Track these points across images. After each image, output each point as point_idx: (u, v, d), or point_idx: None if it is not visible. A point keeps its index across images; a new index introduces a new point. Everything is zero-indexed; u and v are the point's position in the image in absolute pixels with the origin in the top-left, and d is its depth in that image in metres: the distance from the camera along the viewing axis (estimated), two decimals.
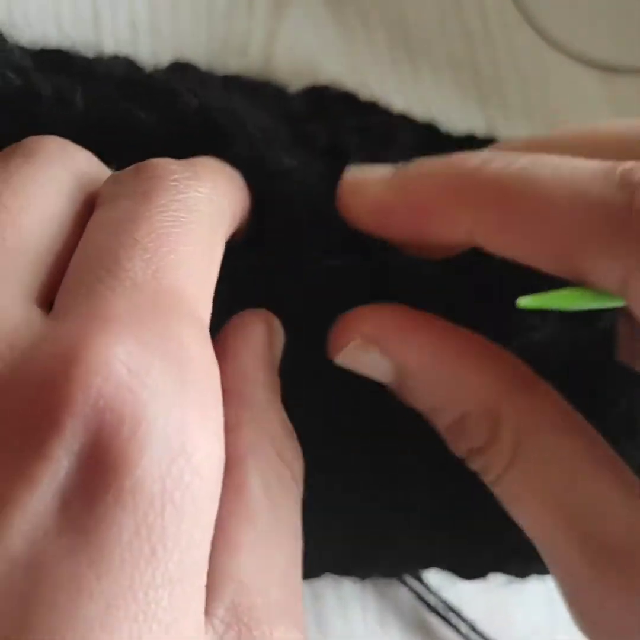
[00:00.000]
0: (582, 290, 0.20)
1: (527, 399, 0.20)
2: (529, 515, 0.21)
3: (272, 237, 0.23)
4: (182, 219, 0.18)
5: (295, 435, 0.22)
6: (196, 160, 0.22)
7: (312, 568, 0.26)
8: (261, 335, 0.22)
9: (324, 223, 0.23)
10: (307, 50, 0.32)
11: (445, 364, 0.21)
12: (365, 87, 0.32)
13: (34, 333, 0.16)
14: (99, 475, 0.15)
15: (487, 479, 0.21)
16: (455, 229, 0.20)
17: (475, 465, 0.22)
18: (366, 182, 0.22)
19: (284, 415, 0.22)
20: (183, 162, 0.20)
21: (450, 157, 0.21)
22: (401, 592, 0.29)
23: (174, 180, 0.19)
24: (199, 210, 0.19)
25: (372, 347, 0.22)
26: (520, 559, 0.26)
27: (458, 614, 0.29)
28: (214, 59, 0.31)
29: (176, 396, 0.16)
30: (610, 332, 0.24)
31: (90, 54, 0.25)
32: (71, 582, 0.14)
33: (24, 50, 0.24)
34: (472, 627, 0.29)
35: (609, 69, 0.34)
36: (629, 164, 0.19)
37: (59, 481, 0.15)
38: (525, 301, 0.20)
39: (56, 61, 0.24)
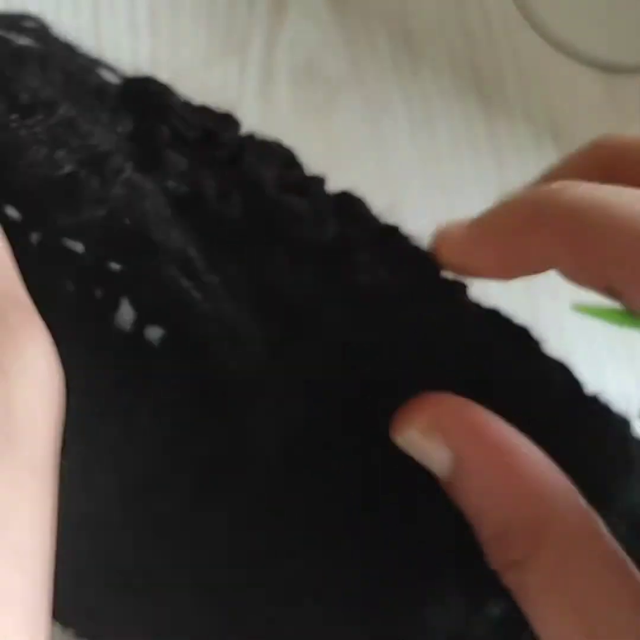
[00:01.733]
0: (630, 315, 0.20)
1: (570, 521, 0.20)
2: (551, 623, 0.19)
3: None
4: None
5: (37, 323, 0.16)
6: None
7: None
8: None
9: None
10: (307, 50, 0.32)
11: (505, 466, 0.20)
12: (365, 86, 0.32)
13: None
14: None
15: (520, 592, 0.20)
16: (535, 256, 0.20)
17: (511, 578, 0.20)
18: (452, 227, 0.22)
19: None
20: None
21: (523, 192, 0.21)
22: None
23: None
24: None
25: (434, 434, 0.20)
26: None
27: None
28: (214, 58, 0.31)
29: None
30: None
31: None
32: None
33: None
34: None
35: (609, 69, 0.34)
36: None
37: None
38: (579, 307, 0.20)
39: None
